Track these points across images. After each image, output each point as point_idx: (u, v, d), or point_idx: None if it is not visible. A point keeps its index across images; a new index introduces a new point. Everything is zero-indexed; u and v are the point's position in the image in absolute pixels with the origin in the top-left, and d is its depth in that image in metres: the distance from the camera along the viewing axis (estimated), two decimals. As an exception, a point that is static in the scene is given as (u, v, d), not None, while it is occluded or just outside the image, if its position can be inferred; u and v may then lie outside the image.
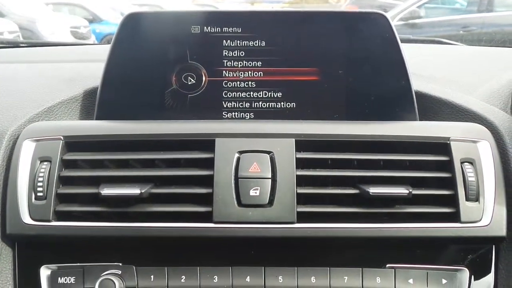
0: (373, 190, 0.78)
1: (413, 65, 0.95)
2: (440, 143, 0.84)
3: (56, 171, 0.81)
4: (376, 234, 0.79)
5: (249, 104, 0.96)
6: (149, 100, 0.96)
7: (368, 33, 0.95)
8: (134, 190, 0.78)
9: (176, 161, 0.84)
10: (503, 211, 0.80)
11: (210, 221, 0.78)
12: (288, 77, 0.95)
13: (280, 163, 0.80)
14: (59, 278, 0.82)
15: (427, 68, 1.15)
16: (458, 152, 0.82)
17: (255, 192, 0.79)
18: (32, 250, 0.83)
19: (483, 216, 0.79)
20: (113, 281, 0.79)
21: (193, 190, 0.81)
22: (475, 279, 0.82)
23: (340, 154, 0.83)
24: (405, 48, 0.94)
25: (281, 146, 0.82)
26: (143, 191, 0.78)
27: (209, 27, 0.96)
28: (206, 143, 0.82)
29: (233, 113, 0.96)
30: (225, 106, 0.96)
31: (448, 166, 0.82)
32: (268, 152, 0.81)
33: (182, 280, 0.81)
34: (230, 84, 0.96)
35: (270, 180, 0.79)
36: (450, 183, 0.81)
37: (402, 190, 0.79)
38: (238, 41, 0.96)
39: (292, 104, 0.95)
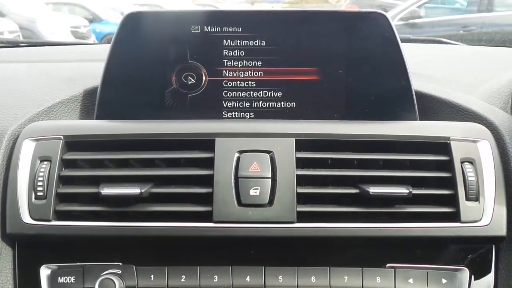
0: (373, 189, 0.78)
1: (413, 65, 0.95)
2: (440, 142, 0.83)
3: (56, 170, 0.81)
4: (376, 233, 0.79)
5: (249, 104, 0.96)
6: (149, 100, 0.96)
7: (368, 33, 0.95)
8: (134, 190, 0.78)
9: (176, 160, 0.84)
10: (503, 211, 0.80)
11: (210, 220, 0.78)
12: (288, 76, 0.95)
13: (280, 163, 0.80)
14: (59, 278, 0.82)
15: (427, 67, 1.15)
16: (458, 151, 0.82)
17: (255, 192, 0.79)
18: (32, 249, 0.83)
19: (483, 215, 0.79)
20: (113, 280, 0.79)
21: (193, 189, 0.81)
22: (475, 279, 0.82)
23: (340, 153, 0.83)
24: (405, 48, 0.94)
25: (281, 145, 0.82)
26: (143, 190, 0.78)
27: (209, 27, 0.96)
28: (206, 142, 0.82)
29: (233, 113, 0.96)
30: (225, 105, 0.96)
31: (448, 165, 0.82)
32: (268, 152, 0.81)
33: (182, 280, 0.81)
34: (230, 84, 0.96)
35: (270, 179, 0.79)
36: (450, 182, 0.81)
37: (402, 190, 0.79)
38: (238, 41, 0.96)
39: (292, 103, 0.95)
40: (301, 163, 0.81)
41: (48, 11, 9.41)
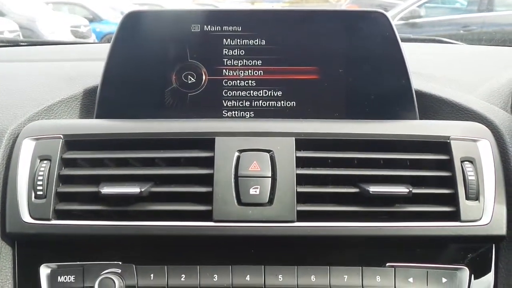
0: (373, 189, 0.78)
1: (413, 64, 0.95)
2: (440, 142, 0.83)
3: (56, 169, 0.81)
4: (376, 233, 0.79)
5: (249, 103, 0.96)
6: (149, 99, 0.96)
7: (368, 32, 0.95)
8: (134, 189, 0.78)
9: (176, 159, 0.84)
10: (503, 210, 0.80)
11: (210, 219, 0.78)
12: (288, 76, 0.95)
13: (280, 162, 0.80)
14: (59, 277, 0.82)
15: (427, 67, 1.15)
16: (458, 151, 0.82)
17: (255, 191, 0.78)
18: (32, 248, 0.83)
19: (483, 215, 0.79)
20: (113, 280, 0.79)
21: (193, 188, 0.81)
22: (475, 278, 0.82)
23: (340, 153, 0.83)
24: (405, 47, 0.94)
25: (281, 145, 0.82)
26: (143, 189, 0.78)
27: (209, 26, 0.96)
28: (206, 141, 0.82)
29: (233, 112, 0.96)
30: (225, 105, 0.96)
31: (448, 165, 0.82)
32: (268, 151, 0.81)
33: (182, 279, 0.81)
34: (230, 83, 0.96)
35: (270, 179, 0.79)
36: (450, 182, 0.81)
37: (402, 189, 0.79)
38: (238, 40, 0.96)
39: (292, 103, 0.95)
40: (301, 162, 0.81)
41: (48, 11, 9.42)
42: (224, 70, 0.96)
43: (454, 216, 0.79)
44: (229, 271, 0.81)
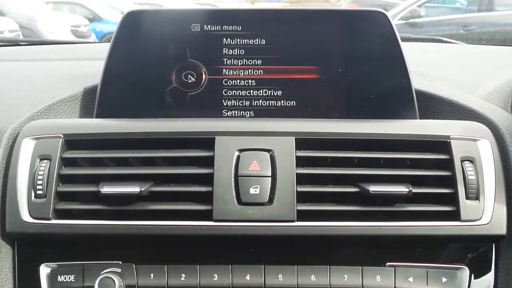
0: (373, 188, 0.78)
1: (413, 64, 0.95)
2: (440, 141, 0.83)
3: (55, 169, 0.81)
4: (376, 232, 0.79)
5: (249, 103, 0.96)
6: (149, 98, 0.96)
7: (368, 32, 0.95)
8: (134, 188, 0.78)
9: (176, 159, 0.84)
10: (503, 210, 0.80)
11: (210, 219, 0.78)
12: (288, 75, 0.95)
13: (280, 161, 0.80)
14: (59, 276, 0.82)
15: (427, 66, 1.15)
16: (458, 150, 0.82)
17: (255, 190, 0.78)
18: (31, 248, 0.83)
19: (483, 214, 0.79)
20: (112, 279, 0.79)
21: (193, 188, 0.81)
22: (475, 278, 0.82)
23: (340, 152, 0.83)
24: (405, 47, 0.94)
25: (281, 144, 0.82)
26: (143, 189, 0.78)
27: (209, 25, 0.96)
28: (206, 141, 0.82)
29: (233, 111, 0.96)
30: (225, 104, 0.96)
31: (448, 164, 0.82)
32: (268, 150, 0.81)
33: (182, 279, 0.81)
34: (230, 82, 0.96)
35: (270, 178, 0.79)
36: (450, 181, 0.81)
37: (402, 189, 0.79)
38: (238, 39, 0.96)
39: (292, 102, 0.95)
40: (301, 161, 0.81)
41: (48, 10, 9.41)
42: (224, 70, 0.96)
43: (454, 215, 0.79)
44: (229, 271, 0.81)
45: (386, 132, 0.84)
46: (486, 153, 0.82)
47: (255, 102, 0.96)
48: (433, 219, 0.80)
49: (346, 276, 0.81)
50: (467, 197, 0.80)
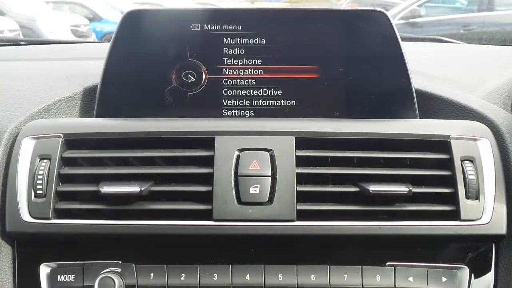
0: (373, 188, 0.78)
1: (413, 63, 0.95)
2: (441, 141, 0.83)
3: (55, 168, 0.81)
4: (376, 232, 0.79)
5: (249, 102, 0.96)
6: (149, 98, 0.95)
7: (368, 31, 0.95)
8: (134, 188, 0.78)
9: (176, 159, 0.83)
10: (503, 209, 0.80)
11: (210, 219, 0.78)
12: (288, 75, 0.95)
13: (280, 161, 0.80)
14: (59, 276, 0.82)
15: (427, 66, 1.15)
16: (458, 150, 0.82)
17: (255, 190, 0.78)
18: (31, 248, 0.83)
19: (483, 214, 0.79)
20: (112, 279, 0.79)
21: (193, 188, 0.80)
22: (475, 277, 0.82)
23: (340, 152, 0.83)
24: (405, 46, 0.94)
25: (281, 144, 0.82)
26: (142, 189, 0.78)
27: (209, 25, 0.96)
28: (206, 141, 0.82)
29: (233, 111, 0.96)
30: (225, 104, 0.96)
31: (448, 164, 0.82)
32: (268, 150, 0.81)
33: (182, 278, 0.81)
34: (230, 82, 0.96)
35: (270, 178, 0.79)
36: (450, 181, 0.81)
37: (402, 188, 0.78)
38: (238, 39, 0.96)
39: (292, 102, 0.95)
40: (301, 161, 0.81)
41: (48, 10, 9.41)
42: (224, 69, 0.96)
43: (454, 215, 0.79)
44: (229, 270, 0.81)
45: (386, 131, 0.84)
46: (486, 153, 0.82)
47: (255, 101, 0.96)
48: (433, 219, 0.80)
49: (346, 275, 0.81)
50: (467, 197, 0.80)
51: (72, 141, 0.85)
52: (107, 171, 0.82)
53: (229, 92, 0.96)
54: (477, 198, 0.80)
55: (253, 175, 0.79)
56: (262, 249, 0.83)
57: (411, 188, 0.78)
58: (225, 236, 0.80)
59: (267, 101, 0.96)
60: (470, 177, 0.80)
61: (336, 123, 0.87)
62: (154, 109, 0.95)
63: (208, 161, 0.81)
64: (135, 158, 0.84)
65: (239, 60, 0.96)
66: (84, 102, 1.01)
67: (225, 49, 0.96)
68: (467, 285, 0.82)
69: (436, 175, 0.82)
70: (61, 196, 0.81)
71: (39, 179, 0.80)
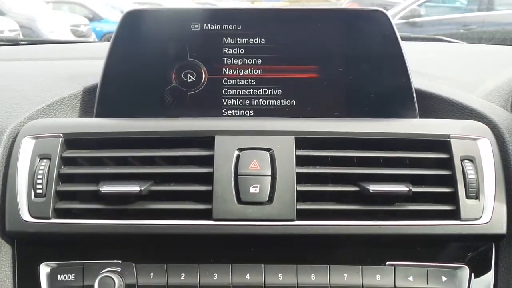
0: (373, 187, 0.78)
1: (413, 63, 0.95)
2: (440, 140, 0.83)
3: (55, 168, 0.81)
4: (376, 231, 0.79)
5: (249, 102, 0.96)
6: (148, 98, 0.95)
7: (368, 31, 0.95)
8: (134, 188, 0.78)
9: (175, 158, 0.83)
10: (503, 209, 0.80)
11: (210, 218, 0.78)
12: (288, 74, 0.95)
13: (280, 161, 0.80)
14: (59, 276, 0.82)
15: (427, 65, 1.15)
16: (458, 149, 0.82)
17: (255, 190, 0.78)
18: (31, 247, 0.83)
19: (483, 213, 0.79)
20: (112, 278, 0.79)
21: (193, 187, 0.80)
22: (475, 277, 0.82)
23: (340, 151, 0.83)
24: (405, 46, 0.94)
25: (281, 143, 0.82)
26: (142, 188, 0.78)
27: (209, 25, 0.96)
28: (206, 140, 0.82)
29: (233, 111, 0.96)
30: (224, 103, 0.96)
31: (448, 163, 0.82)
32: (268, 150, 0.81)
33: (182, 278, 0.81)
34: (230, 82, 0.96)
35: (269, 177, 0.79)
36: (450, 180, 0.81)
37: (402, 188, 0.78)
38: (238, 39, 0.96)
39: (292, 101, 0.95)
40: (301, 161, 0.81)
41: (48, 10, 9.41)
42: (224, 69, 0.96)
43: (454, 214, 0.79)
44: (229, 270, 0.81)
45: (386, 131, 0.84)
46: (486, 152, 0.82)
47: (255, 101, 0.96)
48: (433, 218, 0.80)
49: (346, 275, 0.81)
50: (467, 196, 0.80)
51: (72, 141, 0.85)
52: (107, 171, 0.82)
53: (229, 92, 0.96)
54: (477, 197, 0.80)
55: (253, 175, 0.79)
56: (262, 248, 0.83)
57: (411, 188, 0.78)
58: (225, 235, 0.80)
59: (267, 101, 0.96)
60: (470, 176, 0.80)
61: (336, 123, 0.87)
62: (154, 108, 0.95)
63: (208, 161, 0.81)
64: (135, 158, 0.84)
65: (239, 60, 0.96)
66: (84, 101, 1.01)
67: (225, 49, 0.96)
68: (467, 285, 0.82)
69: (436, 174, 0.82)
70: (61, 195, 0.81)
71: (39, 178, 0.80)
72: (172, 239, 0.82)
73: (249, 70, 0.96)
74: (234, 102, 0.96)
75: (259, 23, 0.96)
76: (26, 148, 0.83)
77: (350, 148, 0.83)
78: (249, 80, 0.96)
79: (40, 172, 0.81)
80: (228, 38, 0.96)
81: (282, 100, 0.95)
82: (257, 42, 0.96)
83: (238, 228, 0.78)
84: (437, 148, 0.83)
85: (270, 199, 0.78)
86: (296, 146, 0.82)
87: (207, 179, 0.80)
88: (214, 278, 0.81)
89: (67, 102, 0.98)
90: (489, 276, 0.83)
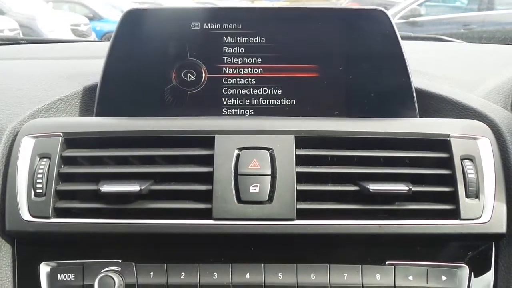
0: (373, 187, 0.78)
1: (413, 62, 0.95)
2: (440, 140, 0.83)
3: (55, 167, 0.81)
4: (376, 231, 0.79)
5: (249, 101, 0.96)
6: (148, 97, 0.95)
7: (368, 30, 0.95)
8: (134, 187, 0.78)
9: (175, 157, 0.83)
10: (503, 208, 0.80)
11: (210, 217, 0.78)
12: (288, 73, 0.95)
13: (279, 160, 0.80)
14: (59, 275, 0.82)
15: (427, 65, 1.15)
16: (458, 149, 0.82)
17: (255, 189, 0.78)
18: (31, 246, 0.83)
19: (483, 213, 0.79)
20: (112, 278, 0.79)
21: (193, 186, 0.80)
22: (475, 276, 0.82)
23: (340, 151, 0.83)
24: (405, 45, 0.94)
25: (281, 142, 0.82)
26: (142, 187, 0.78)
27: (209, 24, 0.96)
28: (206, 139, 0.82)
29: (233, 110, 0.96)
30: (224, 102, 0.96)
31: (448, 163, 0.82)
32: (268, 149, 0.81)
33: (182, 277, 0.81)
34: (230, 81, 0.96)
35: (269, 176, 0.79)
36: (450, 180, 0.81)
37: (402, 187, 0.78)
38: (238, 38, 0.96)
39: (292, 100, 0.95)
40: (301, 160, 0.81)
41: (48, 9, 9.40)
42: (224, 68, 0.96)
43: (454, 214, 0.79)
44: (229, 269, 0.81)
45: (386, 130, 0.84)
46: (486, 152, 0.82)
47: (255, 100, 0.96)
48: (433, 218, 0.80)
49: (346, 274, 0.81)
50: (467, 196, 0.80)
51: (72, 140, 0.84)
52: (107, 170, 0.82)
53: (229, 91, 0.96)
54: (477, 197, 0.80)
55: (253, 174, 0.79)
56: (262, 248, 0.83)
57: (411, 187, 0.78)
58: (225, 235, 0.80)
59: (267, 100, 0.96)
60: (470, 176, 0.80)
61: (336, 122, 0.87)
62: (154, 108, 0.95)
63: (208, 160, 0.81)
64: (135, 157, 0.84)
65: (239, 59, 0.96)
66: (84, 101, 1.01)
67: (225, 48, 0.96)
68: (467, 284, 0.82)
69: (436, 174, 0.82)
70: (61, 195, 0.81)
71: (39, 178, 0.80)
72: (172, 239, 0.82)
73: (249, 69, 0.96)
74: (234, 101, 0.96)
75: (259, 23, 0.96)
76: (26, 147, 0.83)
77: (350, 147, 0.83)
78: (249, 79, 0.96)
79: (40, 171, 0.81)
80: (228, 37, 0.96)
81: (282, 100, 0.95)
82: (257, 41, 0.96)
83: (238, 228, 0.78)
84: (437, 147, 0.83)
85: (270, 199, 0.78)
86: (296, 145, 0.82)
87: (207, 178, 0.80)
88: (214, 277, 0.81)
89: (67, 101, 0.98)
90: (489, 276, 0.83)
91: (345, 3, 10.42)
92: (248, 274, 0.81)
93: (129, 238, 0.82)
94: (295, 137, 0.82)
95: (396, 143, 0.84)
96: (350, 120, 0.89)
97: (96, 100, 0.96)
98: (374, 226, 0.79)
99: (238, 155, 0.81)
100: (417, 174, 0.82)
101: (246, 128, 0.84)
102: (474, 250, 0.82)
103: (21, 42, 1.78)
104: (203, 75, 0.96)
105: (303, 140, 0.82)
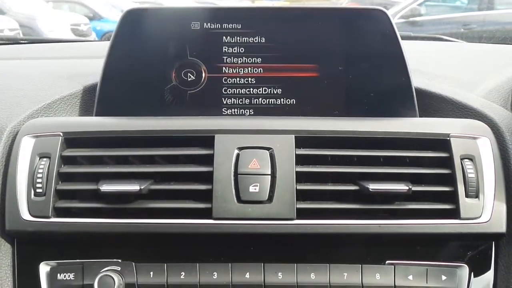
0: (373, 186, 0.78)
1: (413, 62, 0.95)
2: (440, 139, 0.83)
3: (55, 167, 0.81)
4: (376, 230, 0.79)
5: (248, 101, 0.96)
6: (148, 97, 0.95)
7: (368, 30, 0.95)
8: (134, 187, 0.78)
9: (175, 157, 0.83)
10: (502, 208, 0.80)
11: (210, 217, 0.78)
12: (288, 73, 0.95)
13: (279, 160, 0.80)
14: (59, 275, 0.82)
15: (427, 65, 1.15)
16: (458, 148, 0.82)
17: (255, 189, 0.78)
18: (31, 246, 0.83)
19: (482, 212, 0.79)
20: (112, 277, 0.79)
21: (193, 186, 0.80)
22: (474, 276, 0.82)
23: (340, 150, 0.83)
24: (405, 45, 0.94)
25: (280, 142, 0.82)
26: (142, 187, 0.78)
27: (209, 23, 0.96)
28: (206, 139, 0.82)
29: (233, 110, 0.96)
30: (224, 102, 0.96)
31: (448, 162, 0.82)
32: (268, 149, 0.81)
33: (182, 277, 0.81)
34: (230, 81, 0.96)
35: (269, 176, 0.79)
36: (450, 179, 0.81)
37: (402, 187, 0.78)
38: (238, 37, 0.96)
39: (292, 100, 0.95)
40: (300, 159, 0.81)
41: (48, 9, 9.41)
42: (224, 68, 0.96)
43: (454, 213, 0.79)
44: (229, 269, 0.81)
45: (386, 130, 0.84)
46: (486, 151, 0.82)
47: (255, 100, 0.96)
48: (433, 217, 0.80)
49: (345, 274, 0.81)
50: (467, 195, 0.80)
51: (72, 140, 0.84)
52: (107, 170, 0.82)
53: (229, 91, 0.96)
54: (476, 196, 0.80)
55: (252, 174, 0.79)
56: (262, 247, 0.83)
57: (410, 187, 0.78)
58: (225, 234, 0.80)
59: (267, 100, 0.96)
60: (469, 175, 0.80)
61: (336, 122, 0.87)
62: (153, 107, 0.95)
63: (208, 160, 0.81)
64: (135, 157, 0.84)
65: (239, 59, 0.96)
66: (84, 100, 1.01)
67: (225, 48, 0.96)
68: (466, 284, 0.82)
69: (436, 173, 0.82)
70: (61, 194, 0.81)
71: (39, 177, 0.80)
72: (171, 238, 0.82)
73: (249, 69, 0.96)
74: (234, 101, 0.96)
75: (259, 22, 0.96)
76: (26, 147, 0.83)
77: (350, 147, 0.83)
78: (249, 79, 0.96)
79: (40, 171, 0.81)
80: (228, 37, 0.96)
81: (282, 99, 0.95)
82: (257, 41, 0.96)
83: (238, 227, 0.78)
84: (437, 147, 0.83)
85: (270, 198, 0.78)
86: (296, 145, 0.82)
87: (207, 178, 0.80)
88: (214, 277, 0.81)
89: (67, 101, 0.98)
90: (489, 275, 0.83)
91: (345, 3, 10.42)
92: (248, 273, 0.81)
93: (129, 238, 0.82)
94: (295, 136, 0.82)
95: (396, 142, 0.84)
96: (350, 119, 0.89)
97: (96, 99, 0.96)
98: (374, 225, 0.79)
99: (238, 155, 0.81)
100: (417, 174, 0.82)
101: (246, 128, 0.84)
102: (474, 249, 0.82)
103: (21, 42, 1.78)
104: (203, 74, 0.96)
105: (303, 140, 0.82)
